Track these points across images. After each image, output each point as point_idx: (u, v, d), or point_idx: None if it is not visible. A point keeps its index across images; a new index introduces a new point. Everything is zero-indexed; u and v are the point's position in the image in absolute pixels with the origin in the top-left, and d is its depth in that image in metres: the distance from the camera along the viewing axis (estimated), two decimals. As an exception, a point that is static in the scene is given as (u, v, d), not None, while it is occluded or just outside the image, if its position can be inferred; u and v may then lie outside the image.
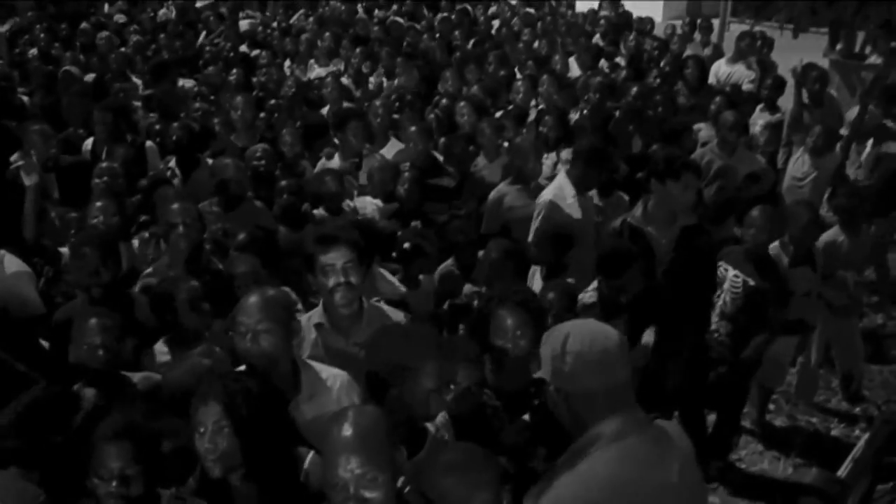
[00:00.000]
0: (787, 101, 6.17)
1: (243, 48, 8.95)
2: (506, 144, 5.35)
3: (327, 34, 8.50)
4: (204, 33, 9.80)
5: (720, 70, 7.63)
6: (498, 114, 6.15)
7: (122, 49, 8.21)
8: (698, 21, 9.32)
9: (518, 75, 7.31)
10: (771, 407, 4.69)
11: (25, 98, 6.51)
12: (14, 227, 3.94)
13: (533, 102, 6.52)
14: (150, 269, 3.71)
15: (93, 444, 2.11)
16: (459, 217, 4.44)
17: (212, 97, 6.67)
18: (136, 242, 4.06)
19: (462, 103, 5.90)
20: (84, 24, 9.49)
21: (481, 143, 5.37)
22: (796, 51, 7.37)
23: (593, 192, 4.56)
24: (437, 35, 9.24)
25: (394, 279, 3.73)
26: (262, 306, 2.45)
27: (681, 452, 1.96)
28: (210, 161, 5.02)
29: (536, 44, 8.86)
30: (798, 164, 5.48)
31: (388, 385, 2.30)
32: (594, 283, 3.50)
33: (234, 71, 7.15)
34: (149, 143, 5.35)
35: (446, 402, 2.40)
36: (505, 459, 2.39)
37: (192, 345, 2.93)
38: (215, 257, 3.76)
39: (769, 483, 4.14)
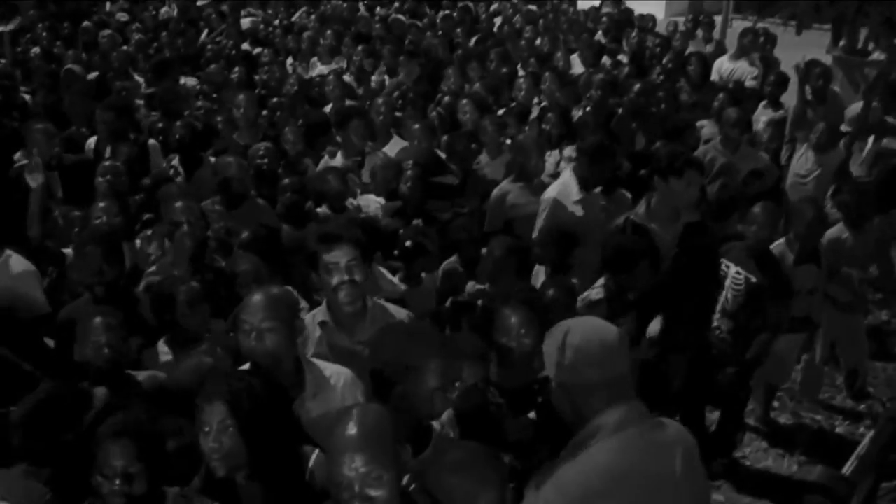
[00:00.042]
0: (790, 98, 6.15)
1: (245, 46, 8.94)
2: (508, 142, 5.34)
3: (329, 32, 8.49)
4: (206, 31, 9.79)
5: (723, 67, 7.61)
6: (500, 111, 6.14)
7: (125, 47, 8.21)
8: (701, 17, 9.29)
9: (520, 72, 7.30)
10: (775, 404, 4.68)
11: (27, 97, 6.51)
12: (18, 226, 3.95)
13: (535, 100, 6.51)
14: (153, 268, 3.72)
15: (96, 443, 2.11)
16: (462, 215, 4.44)
17: (214, 95, 6.67)
18: (139, 242, 4.06)
19: (464, 101, 5.89)
20: (86, 23, 9.49)
21: (484, 140, 5.36)
22: (799, 47, 7.35)
23: (599, 190, 4.53)
24: (440, 32, 9.22)
25: (392, 278, 3.73)
26: (267, 305, 2.44)
27: (683, 446, 1.99)
28: (213, 159, 5.02)
29: (539, 41, 8.84)
30: (801, 161, 5.47)
31: (393, 383, 2.29)
32: (601, 280, 3.49)
33: (237, 69, 7.15)
34: (151, 141, 5.34)
35: (451, 401, 2.39)
36: (509, 457, 2.39)
37: (192, 345, 2.94)
38: (218, 255, 3.76)
39: (774, 480, 4.14)
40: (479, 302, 3.60)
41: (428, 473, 2.02)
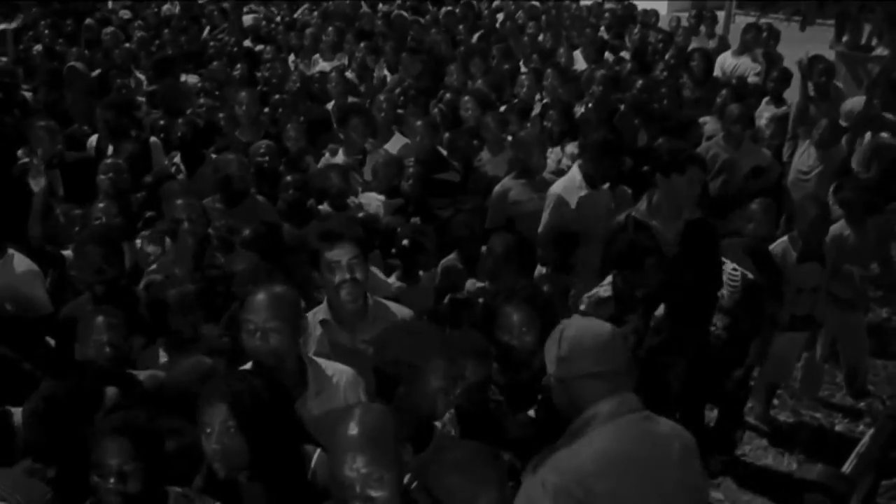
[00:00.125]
0: (793, 94, 6.14)
1: (247, 43, 8.94)
2: (510, 138, 5.34)
3: (331, 28, 8.49)
4: (208, 28, 9.80)
5: (726, 62, 7.60)
6: (502, 108, 6.14)
7: (127, 45, 8.21)
8: (704, 13, 9.27)
9: (522, 69, 7.29)
10: (775, 402, 4.68)
11: (28, 94, 6.52)
12: (20, 224, 3.96)
13: (538, 96, 6.50)
14: (154, 266, 3.72)
15: (92, 441, 2.12)
16: (464, 211, 4.43)
17: (216, 92, 6.67)
18: (138, 241, 4.06)
19: (466, 97, 5.88)
20: (88, 20, 9.49)
21: (485, 137, 5.35)
22: (803, 43, 7.32)
23: (606, 186, 4.51)
24: (442, 29, 9.21)
25: (383, 276, 3.73)
26: (271, 304, 2.43)
27: (680, 441, 2.03)
28: (215, 157, 5.02)
29: (541, 37, 8.82)
30: (804, 158, 5.46)
31: (397, 382, 2.30)
32: (609, 278, 3.47)
33: (239, 66, 7.15)
34: (153, 139, 5.35)
35: (454, 400, 2.39)
36: (509, 455, 2.40)
37: (187, 347, 2.94)
38: (220, 253, 3.77)
39: (774, 478, 4.14)
40: (480, 299, 3.60)
41: (428, 473, 2.03)
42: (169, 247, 3.89)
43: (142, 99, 6.58)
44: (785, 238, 4.23)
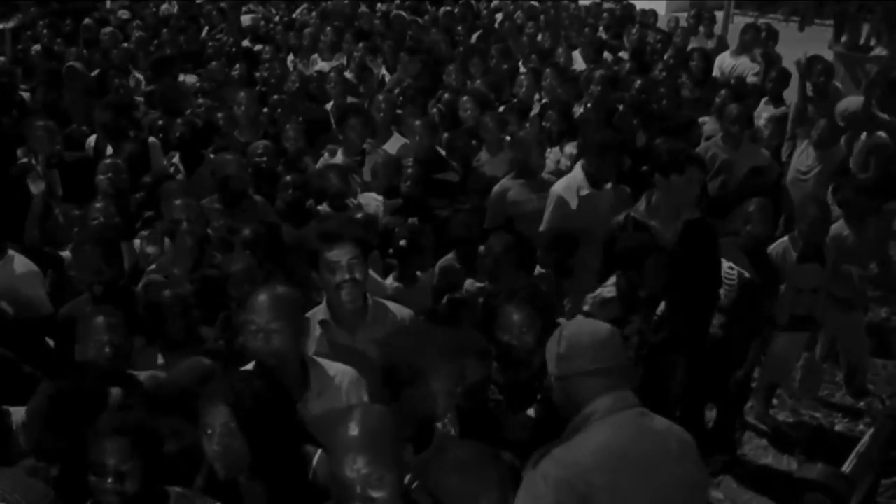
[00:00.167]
0: (791, 95, 6.14)
1: (246, 43, 8.93)
2: (508, 138, 5.34)
3: (329, 28, 8.48)
4: (206, 28, 9.79)
5: (724, 63, 7.60)
6: (501, 108, 6.14)
7: (125, 45, 8.20)
8: (703, 14, 9.27)
9: (521, 69, 7.29)
10: (775, 402, 4.68)
11: (26, 95, 6.51)
12: (19, 225, 3.95)
13: (536, 96, 6.50)
14: (153, 266, 3.72)
15: (90, 441, 2.11)
16: (461, 211, 4.43)
17: (215, 93, 6.66)
18: (137, 241, 4.06)
19: (465, 97, 5.88)
20: (87, 20, 9.48)
21: (484, 137, 5.35)
22: (801, 43, 7.33)
23: (610, 186, 4.50)
24: (441, 29, 9.21)
25: (380, 279, 3.72)
26: (274, 305, 2.43)
27: (678, 437, 2.05)
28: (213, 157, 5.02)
29: (540, 37, 8.83)
30: (802, 157, 5.46)
31: (402, 384, 2.29)
32: (612, 279, 3.46)
33: (237, 66, 7.15)
34: (152, 139, 5.34)
35: (456, 400, 2.39)
36: (508, 455, 2.39)
37: (183, 348, 2.94)
38: (219, 253, 3.76)
39: (773, 478, 4.14)
40: (480, 299, 3.60)
41: (429, 473, 2.03)
42: (168, 247, 3.88)
43: (140, 99, 6.57)
44: (785, 238, 4.24)
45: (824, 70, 6.17)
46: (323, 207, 4.42)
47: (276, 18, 10.62)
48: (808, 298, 4.19)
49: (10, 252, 3.53)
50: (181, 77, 7.19)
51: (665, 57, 7.55)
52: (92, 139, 5.36)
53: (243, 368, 2.48)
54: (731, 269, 3.81)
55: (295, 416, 2.34)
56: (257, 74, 7.33)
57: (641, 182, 4.53)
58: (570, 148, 5.34)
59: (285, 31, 9.50)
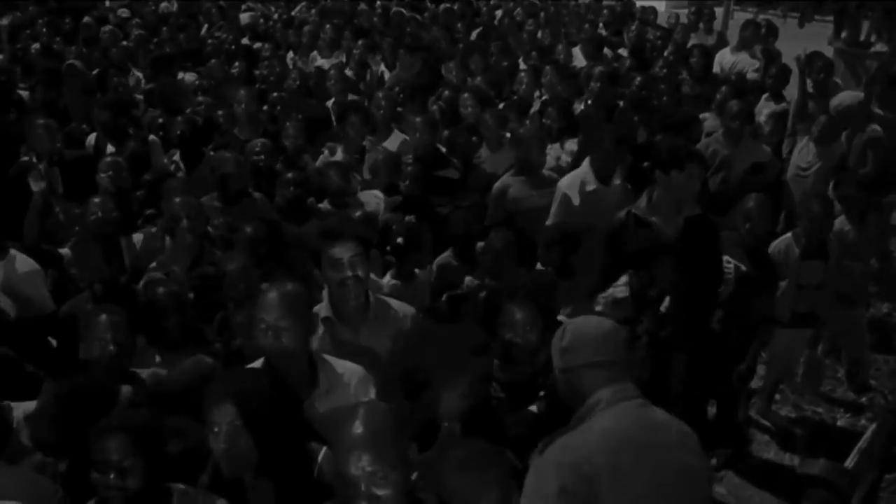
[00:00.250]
0: (792, 91, 6.13)
1: (245, 41, 8.93)
2: (508, 135, 5.34)
3: (329, 26, 8.48)
4: (206, 26, 9.77)
5: (724, 59, 7.59)
6: (501, 105, 6.13)
7: (125, 43, 8.19)
8: (703, 10, 9.26)
9: (521, 66, 7.28)
10: (777, 397, 4.69)
11: (24, 93, 6.50)
12: (19, 224, 3.95)
13: (537, 93, 6.49)
14: (154, 264, 3.72)
15: (92, 438, 2.12)
16: (461, 208, 4.42)
17: (215, 90, 6.66)
18: (137, 236, 4.05)
19: (466, 94, 5.88)
20: (87, 19, 9.47)
21: (484, 134, 5.35)
22: (801, 39, 7.32)
23: (620, 182, 4.49)
24: (441, 26, 9.20)
25: (376, 277, 3.71)
26: (283, 302, 2.42)
27: (678, 426, 2.09)
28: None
29: (540, 34, 8.82)
30: (803, 154, 5.45)
31: (423, 387, 2.28)
32: (623, 278, 3.44)
33: (237, 64, 7.14)
34: (151, 137, 5.34)
35: (465, 400, 2.38)
36: (510, 454, 2.39)
37: (178, 347, 2.94)
38: (220, 251, 3.76)
39: (776, 473, 4.15)
40: (481, 295, 3.59)
41: (433, 471, 2.03)
42: (168, 245, 3.88)
43: (139, 97, 6.56)
44: (788, 235, 4.23)
45: (824, 66, 6.17)
46: (324, 205, 4.42)
47: (276, 16, 10.61)
48: (810, 295, 4.18)
49: (12, 251, 3.53)
50: (180, 75, 7.19)
51: (665, 53, 7.54)
52: (92, 137, 5.36)
53: (250, 366, 2.47)
54: (728, 262, 3.81)
55: (301, 414, 2.34)
56: (257, 72, 7.33)
57: (642, 179, 4.53)
58: (571, 144, 5.34)
59: (284, 28, 9.49)
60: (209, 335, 3.15)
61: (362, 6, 10.62)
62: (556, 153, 5.31)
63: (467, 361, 2.32)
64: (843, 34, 9.27)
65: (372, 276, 3.62)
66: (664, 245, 3.40)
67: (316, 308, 2.93)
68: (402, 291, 3.55)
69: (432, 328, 2.73)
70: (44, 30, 8.79)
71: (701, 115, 5.90)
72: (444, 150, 5.30)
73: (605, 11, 10.29)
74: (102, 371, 2.67)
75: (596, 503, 1.88)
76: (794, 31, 9.04)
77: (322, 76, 6.96)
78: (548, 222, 4.27)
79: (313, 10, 10.57)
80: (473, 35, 9.06)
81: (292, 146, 5.17)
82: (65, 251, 3.83)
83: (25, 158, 4.25)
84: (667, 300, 3.42)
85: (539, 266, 3.92)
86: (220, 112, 5.69)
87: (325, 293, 2.95)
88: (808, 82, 5.89)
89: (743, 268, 3.78)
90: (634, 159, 5.12)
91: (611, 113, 5.75)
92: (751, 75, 7.20)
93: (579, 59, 7.72)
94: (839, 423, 4.60)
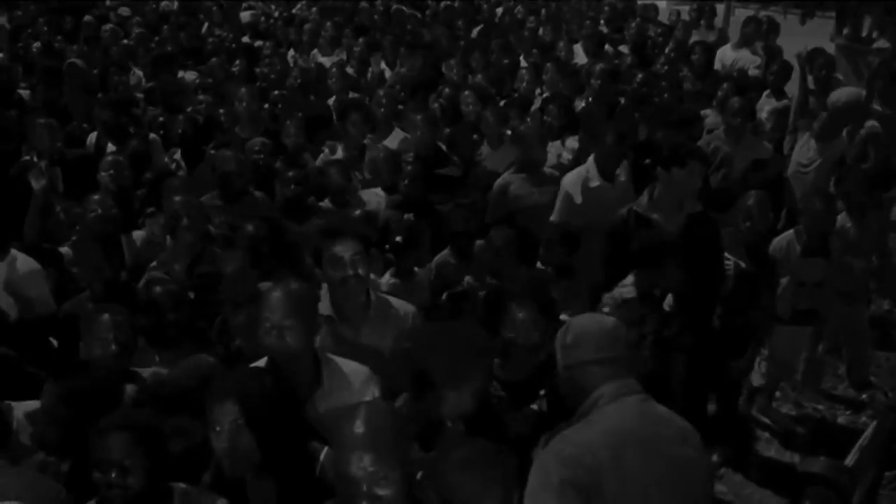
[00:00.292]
0: (794, 88, 6.12)
1: (246, 39, 8.92)
2: (509, 133, 5.33)
3: (329, 24, 8.47)
4: (206, 24, 9.77)
5: (726, 56, 7.58)
6: (502, 102, 6.13)
7: (126, 41, 8.19)
8: (703, 7, 9.25)
9: (522, 63, 7.27)
10: (778, 395, 4.69)
11: (25, 92, 6.50)
12: (18, 223, 3.95)
13: (538, 90, 6.49)
14: (154, 263, 3.72)
15: (93, 437, 2.12)
16: (463, 206, 4.41)
17: (216, 89, 6.65)
18: (137, 234, 4.06)
19: (467, 92, 5.87)
20: (87, 17, 9.47)
21: (485, 131, 5.34)
22: (802, 35, 7.31)
23: (625, 178, 4.49)
24: (442, 24, 9.19)
25: (372, 275, 3.70)
26: (287, 302, 2.42)
27: (679, 421, 2.10)
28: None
29: (541, 31, 8.81)
30: (804, 150, 5.44)
31: (434, 386, 2.28)
32: (630, 278, 3.41)
33: (238, 62, 7.14)
34: (152, 136, 5.34)
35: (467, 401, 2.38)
36: (513, 451, 2.39)
37: (178, 347, 2.94)
38: (221, 250, 3.76)
39: (776, 470, 4.15)
40: (481, 293, 3.59)
41: (435, 470, 2.03)
42: (169, 244, 3.89)
43: (140, 95, 6.56)
44: (790, 232, 4.23)
45: (826, 63, 6.15)
46: (324, 204, 4.42)
47: (276, 14, 10.60)
48: (811, 292, 4.18)
49: (13, 251, 3.53)
50: (181, 73, 7.19)
51: (666, 50, 7.53)
52: (93, 136, 5.36)
53: (253, 365, 2.47)
54: (728, 259, 3.81)
55: (303, 414, 2.34)
56: (258, 70, 7.33)
57: (644, 176, 4.53)
58: (572, 142, 5.33)
59: (285, 26, 9.49)
60: (210, 335, 3.15)
61: (363, 4, 10.61)
62: (557, 150, 5.30)
63: (474, 361, 2.31)
64: (845, 30, 9.26)
65: (371, 274, 3.63)
66: (671, 244, 3.39)
67: (317, 306, 2.93)
68: (401, 290, 3.54)
69: (438, 328, 2.73)
70: (45, 28, 8.79)
71: (702, 112, 5.89)
72: (444, 147, 5.30)
73: (606, 8, 10.28)
74: (104, 371, 2.67)
75: (599, 496, 1.90)
76: (795, 27, 9.03)
77: (323, 72, 6.95)
78: (552, 218, 4.27)
79: (314, 8, 10.56)
80: (474, 32, 9.04)
81: (292, 145, 5.17)
82: (65, 250, 3.84)
83: (27, 158, 4.25)
84: (669, 298, 3.41)
85: (540, 265, 3.92)
86: (221, 110, 5.70)
87: (324, 292, 2.95)
88: (810, 79, 5.88)
89: (742, 265, 3.78)
90: (636, 157, 5.12)
91: (612, 110, 5.75)
92: (752, 72, 7.19)
93: (580, 57, 7.71)
94: (840, 420, 4.60)
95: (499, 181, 4.65)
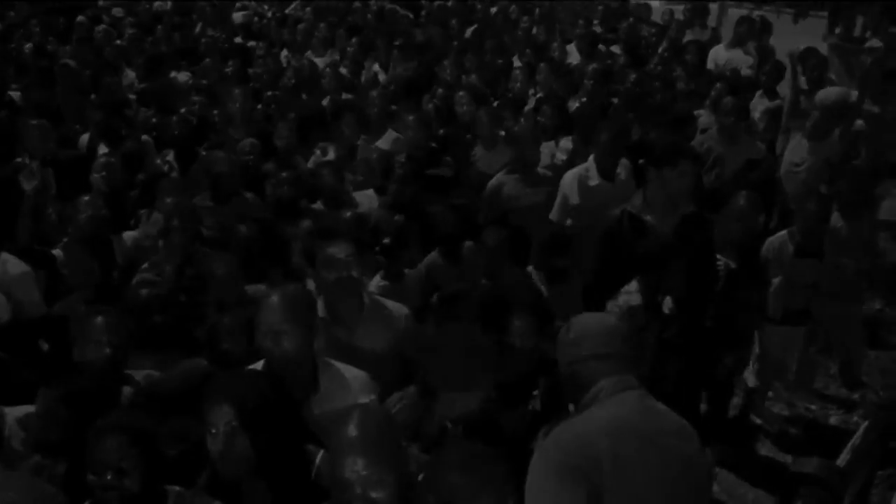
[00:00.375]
0: (786, 87, 6.14)
1: (239, 39, 8.90)
2: (503, 133, 5.34)
3: (323, 24, 8.46)
4: (200, 25, 9.74)
5: (719, 55, 7.59)
6: (496, 103, 6.13)
7: (119, 42, 8.16)
8: (696, 5, 9.26)
9: (516, 63, 7.28)
10: (770, 394, 4.70)
11: (16, 94, 6.47)
12: (9, 225, 3.93)
13: (531, 91, 6.49)
14: (146, 265, 3.71)
15: (89, 439, 2.11)
16: (455, 207, 4.41)
17: (209, 90, 6.64)
18: (128, 235, 4.05)
19: (461, 92, 5.87)
20: (80, 18, 9.43)
21: (479, 132, 5.34)
22: (795, 35, 7.34)
23: (626, 177, 4.49)
24: (435, 23, 9.19)
25: (365, 278, 3.69)
26: (285, 306, 2.41)
27: (677, 420, 2.12)
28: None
29: (534, 31, 8.81)
30: (796, 150, 5.45)
31: (444, 388, 2.27)
32: (633, 284, 3.41)
33: (231, 62, 7.12)
34: (145, 137, 5.33)
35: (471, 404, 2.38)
36: (509, 452, 2.39)
37: (165, 348, 2.93)
38: (212, 251, 3.75)
39: (769, 470, 4.16)
40: (475, 295, 3.58)
41: (431, 472, 2.03)
42: (160, 245, 3.87)
43: (132, 96, 6.54)
44: (783, 232, 4.24)
45: (818, 63, 6.17)
46: (317, 205, 4.41)
47: (269, 14, 10.58)
48: (804, 292, 4.19)
49: (3, 254, 3.51)
50: (173, 74, 7.17)
51: (659, 50, 7.54)
52: (85, 137, 5.35)
53: (249, 367, 2.47)
54: (718, 260, 3.82)
55: (299, 417, 2.34)
56: (251, 71, 7.31)
57: (637, 176, 4.54)
58: (566, 142, 5.34)
59: (278, 26, 9.46)
60: (199, 337, 3.14)
61: (356, 4, 10.60)
62: (551, 151, 5.31)
63: (482, 364, 2.32)
64: (838, 30, 9.27)
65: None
66: (675, 249, 3.40)
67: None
68: (392, 291, 3.53)
69: (443, 330, 2.73)
70: (37, 29, 8.75)
71: (695, 112, 5.91)
72: (437, 147, 5.29)
73: (599, 8, 10.28)
74: (98, 373, 2.67)
75: (598, 485, 1.91)
76: (788, 27, 9.06)
77: (316, 71, 6.94)
78: (551, 216, 4.27)
79: (307, 9, 10.54)
80: (468, 32, 9.05)
81: (284, 146, 5.16)
82: (57, 252, 3.82)
83: (19, 159, 4.23)
84: (668, 301, 3.43)
85: (531, 268, 3.91)
86: (214, 111, 5.68)
87: (315, 293, 2.94)
88: (802, 79, 5.90)
89: (732, 265, 3.79)
90: (629, 157, 5.13)
91: (605, 110, 5.76)
92: (745, 72, 7.20)
93: (574, 57, 7.72)
94: (832, 420, 4.62)
95: (492, 182, 4.65)
